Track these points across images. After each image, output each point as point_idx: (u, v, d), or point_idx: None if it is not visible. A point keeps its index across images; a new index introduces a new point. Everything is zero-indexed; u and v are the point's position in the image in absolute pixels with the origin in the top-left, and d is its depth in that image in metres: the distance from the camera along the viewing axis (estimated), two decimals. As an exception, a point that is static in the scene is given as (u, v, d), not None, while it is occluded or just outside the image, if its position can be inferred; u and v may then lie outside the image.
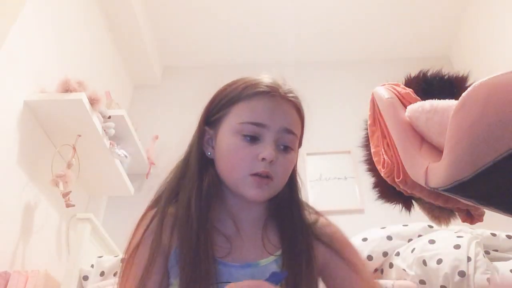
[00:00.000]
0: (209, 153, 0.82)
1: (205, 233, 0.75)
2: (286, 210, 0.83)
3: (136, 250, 0.75)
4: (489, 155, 0.65)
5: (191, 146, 0.86)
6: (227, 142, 0.78)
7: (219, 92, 0.84)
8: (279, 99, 0.79)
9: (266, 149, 0.75)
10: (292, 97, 0.82)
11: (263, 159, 0.75)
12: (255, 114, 0.77)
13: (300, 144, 0.86)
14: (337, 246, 0.82)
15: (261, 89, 0.79)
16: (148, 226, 0.77)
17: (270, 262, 0.76)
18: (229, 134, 0.78)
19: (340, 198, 2.60)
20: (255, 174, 0.75)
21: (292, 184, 0.86)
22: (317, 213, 0.88)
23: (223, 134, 0.80)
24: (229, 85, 0.84)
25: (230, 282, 0.69)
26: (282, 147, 0.78)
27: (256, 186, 0.75)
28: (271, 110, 0.78)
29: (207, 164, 0.82)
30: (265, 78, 0.83)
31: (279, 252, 0.78)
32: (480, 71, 1.26)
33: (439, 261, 1.31)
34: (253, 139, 0.76)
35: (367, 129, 1.26)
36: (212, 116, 0.83)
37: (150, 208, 0.83)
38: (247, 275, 0.73)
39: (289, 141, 0.78)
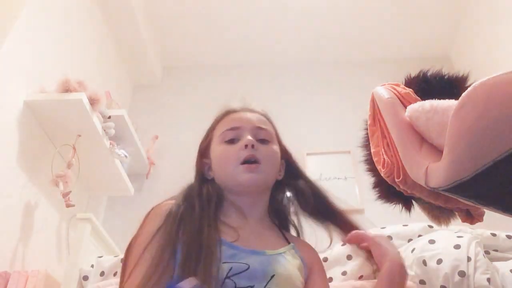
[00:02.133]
0: (210, 176, 0.96)
1: (209, 221, 0.81)
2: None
3: (146, 247, 0.76)
4: (489, 155, 0.65)
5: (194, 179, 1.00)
6: (216, 153, 0.95)
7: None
8: (247, 111, 0.99)
9: (245, 138, 0.90)
10: (259, 111, 1.00)
11: (246, 146, 0.89)
12: (230, 123, 0.96)
13: (281, 147, 0.99)
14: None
15: (231, 109, 1.00)
16: (161, 223, 0.80)
17: (276, 254, 0.82)
18: (216, 147, 0.95)
19: (340, 198, 2.59)
20: (244, 163, 0.88)
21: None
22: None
23: (213, 151, 0.96)
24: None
25: (240, 263, 0.74)
26: (259, 140, 0.93)
27: (248, 171, 0.87)
28: (242, 116, 0.97)
29: (207, 182, 0.95)
30: (234, 104, 1.02)
31: (285, 248, 0.86)
32: (480, 71, 1.26)
33: (439, 261, 1.31)
34: (234, 141, 0.92)
35: (367, 129, 1.26)
36: (204, 147, 1.00)
37: (161, 205, 0.88)
38: (256, 260, 0.78)
39: (264, 134, 0.94)
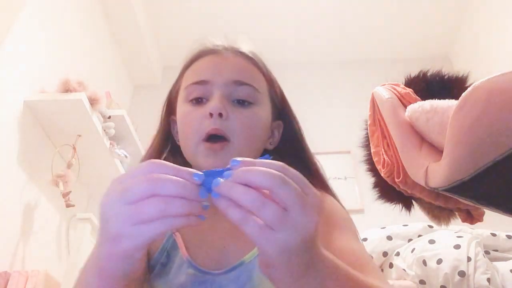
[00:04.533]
0: (177, 139, 0.73)
1: None
2: None
3: None
4: (489, 155, 0.65)
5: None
6: (179, 113, 0.71)
7: None
8: (225, 54, 0.71)
9: (211, 102, 0.65)
10: (245, 51, 0.73)
11: (210, 114, 0.63)
12: (197, 74, 0.69)
13: (277, 95, 0.76)
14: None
15: (204, 49, 0.73)
16: None
17: (255, 256, 0.61)
18: (180, 105, 0.70)
19: (340, 198, 2.59)
20: (207, 140, 0.64)
21: (302, 160, 0.73)
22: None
23: (177, 109, 0.72)
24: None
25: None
26: (236, 101, 0.67)
27: (210, 154, 0.63)
28: (214, 65, 0.69)
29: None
30: (213, 39, 0.75)
31: None
32: (480, 71, 1.26)
33: (439, 261, 1.31)
34: (200, 100, 0.67)
35: (367, 129, 1.26)
36: (172, 99, 0.77)
37: None
38: (228, 278, 0.61)
39: (244, 94, 0.67)
